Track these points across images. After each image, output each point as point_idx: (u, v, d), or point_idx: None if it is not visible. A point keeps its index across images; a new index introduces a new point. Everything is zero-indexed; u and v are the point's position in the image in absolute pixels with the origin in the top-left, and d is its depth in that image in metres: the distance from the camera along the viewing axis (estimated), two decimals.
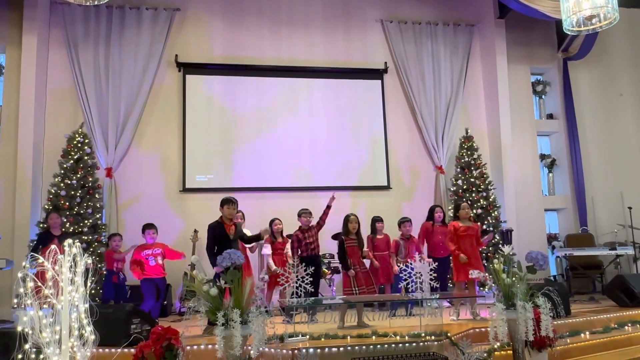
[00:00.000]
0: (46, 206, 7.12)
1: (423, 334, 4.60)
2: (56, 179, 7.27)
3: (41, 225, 6.95)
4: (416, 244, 6.99)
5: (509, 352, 4.33)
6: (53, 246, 2.78)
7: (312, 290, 5.66)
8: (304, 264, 5.34)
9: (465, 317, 5.86)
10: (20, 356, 2.66)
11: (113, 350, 4.22)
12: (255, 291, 3.84)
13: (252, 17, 8.85)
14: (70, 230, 6.96)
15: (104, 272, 6.58)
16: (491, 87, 9.26)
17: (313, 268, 5.48)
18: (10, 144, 7.67)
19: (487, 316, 5.55)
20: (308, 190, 8.42)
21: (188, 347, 4.10)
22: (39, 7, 7.84)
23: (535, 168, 9.41)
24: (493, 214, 8.17)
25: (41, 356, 2.67)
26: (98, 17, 8.19)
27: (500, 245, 7.26)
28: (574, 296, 7.75)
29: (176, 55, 8.50)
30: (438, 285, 5.58)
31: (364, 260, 6.44)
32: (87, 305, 2.83)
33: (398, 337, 4.57)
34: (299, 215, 6.46)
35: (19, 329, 2.65)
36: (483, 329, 4.76)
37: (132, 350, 3.71)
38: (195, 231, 7.42)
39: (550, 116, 9.78)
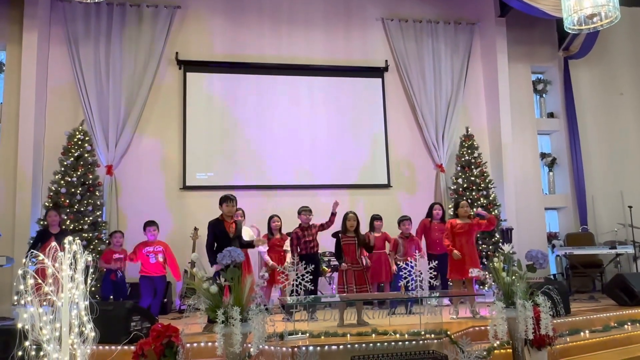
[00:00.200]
0: (46, 203, 7.11)
1: (423, 332, 4.60)
2: (56, 177, 7.26)
3: (41, 223, 6.95)
4: (416, 242, 7.01)
5: (508, 350, 4.34)
6: (53, 243, 2.79)
7: (312, 288, 5.67)
8: (303, 262, 5.35)
9: (465, 315, 5.86)
10: (20, 353, 2.67)
11: (113, 347, 4.24)
12: (255, 289, 3.84)
13: (252, 15, 8.84)
14: (71, 227, 6.96)
15: (103, 270, 6.58)
16: (492, 86, 9.25)
17: (313, 266, 5.49)
18: (10, 142, 7.67)
19: (486, 314, 5.55)
20: (308, 188, 8.44)
21: (188, 345, 4.11)
22: (40, 5, 7.83)
23: (535, 167, 9.40)
24: (493, 213, 8.16)
25: (41, 353, 2.68)
26: (98, 15, 8.18)
27: (500, 244, 7.26)
28: (573, 295, 7.75)
29: (177, 53, 8.50)
30: (438, 284, 5.59)
31: (364, 260, 6.42)
32: (87, 303, 2.83)
33: (398, 336, 4.57)
34: (299, 212, 6.46)
35: (19, 326, 2.65)
36: (483, 328, 4.76)
37: (132, 347, 3.72)
38: (196, 229, 7.41)
39: (550, 115, 9.78)
